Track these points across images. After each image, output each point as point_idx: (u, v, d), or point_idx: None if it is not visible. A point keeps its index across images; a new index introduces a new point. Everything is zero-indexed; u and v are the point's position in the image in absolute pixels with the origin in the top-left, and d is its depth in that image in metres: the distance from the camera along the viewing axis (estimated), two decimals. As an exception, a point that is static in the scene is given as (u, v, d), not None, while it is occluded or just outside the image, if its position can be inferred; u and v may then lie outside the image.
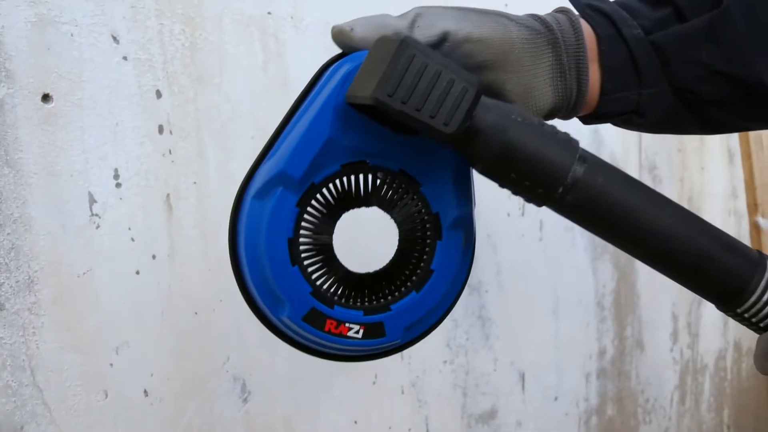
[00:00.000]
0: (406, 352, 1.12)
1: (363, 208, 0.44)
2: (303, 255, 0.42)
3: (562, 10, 0.50)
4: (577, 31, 0.47)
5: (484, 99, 0.40)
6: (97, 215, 0.77)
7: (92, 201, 0.76)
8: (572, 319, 1.45)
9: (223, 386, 0.89)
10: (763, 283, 0.42)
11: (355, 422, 1.06)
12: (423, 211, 0.44)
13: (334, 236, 0.44)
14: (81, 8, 0.74)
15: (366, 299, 0.44)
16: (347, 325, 0.43)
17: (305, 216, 0.42)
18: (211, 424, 0.88)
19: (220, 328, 0.88)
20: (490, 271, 1.25)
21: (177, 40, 0.82)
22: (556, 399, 1.43)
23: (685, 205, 1.65)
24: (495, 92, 0.45)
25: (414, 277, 0.44)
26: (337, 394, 1.03)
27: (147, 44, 0.80)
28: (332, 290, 0.43)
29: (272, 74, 0.92)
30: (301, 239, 0.42)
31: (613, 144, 1.52)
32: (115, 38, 0.77)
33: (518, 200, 1.24)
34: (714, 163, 1.86)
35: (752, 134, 1.48)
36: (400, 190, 0.43)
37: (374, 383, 1.08)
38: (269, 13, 0.91)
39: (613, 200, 0.41)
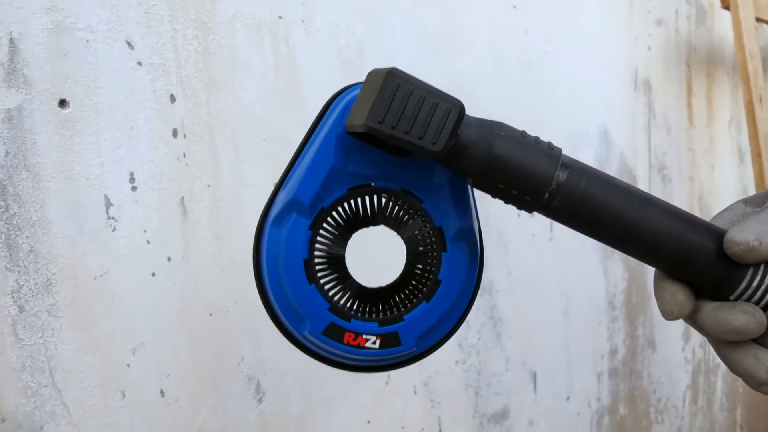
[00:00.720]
0: (418, 352, 1.12)
1: (371, 227, 0.48)
2: (319, 274, 0.46)
3: None
4: None
5: (467, 117, 0.43)
6: (113, 218, 0.78)
7: (108, 204, 0.77)
8: (583, 319, 1.45)
9: (238, 387, 0.90)
10: (752, 267, 0.44)
11: (368, 422, 1.07)
12: (427, 225, 0.47)
13: (347, 255, 0.47)
14: (96, 15, 0.75)
15: (380, 311, 0.47)
16: (364, 336, 0.46)
17: (318, 238, 0.46)
18: (225, 425, 0.89)
19: (235, 329, 0.89)
20: (501, 272, 1.25)
21: (190, 44, 0.83)
22: (567, 399, 1.43)
23: (695, 204, 1.65)
24: None
25: (423, 288, 0.47)
26: (350, 394, 1.04)
27: (161, 49, 0.81)
28: (348, 305, 0.47)
29: (283, 78, 0.93)
30: (316, 259, 0.45)
31: (622, 144, 1.52)
32: (129, 44, 0.78)
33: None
34: (724, 162, 1.86)
35: (762, 132, 1.48)
36: (404, 208, 0.47)
37: (387, 383, 1.09)
38: (280, 17, 0.92)
39: (598, 201, 0.44)
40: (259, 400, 0.93)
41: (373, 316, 0.47)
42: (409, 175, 0.46)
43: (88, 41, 0.75)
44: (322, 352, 0.48)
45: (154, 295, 0.82)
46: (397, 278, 0.48)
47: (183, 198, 0.84)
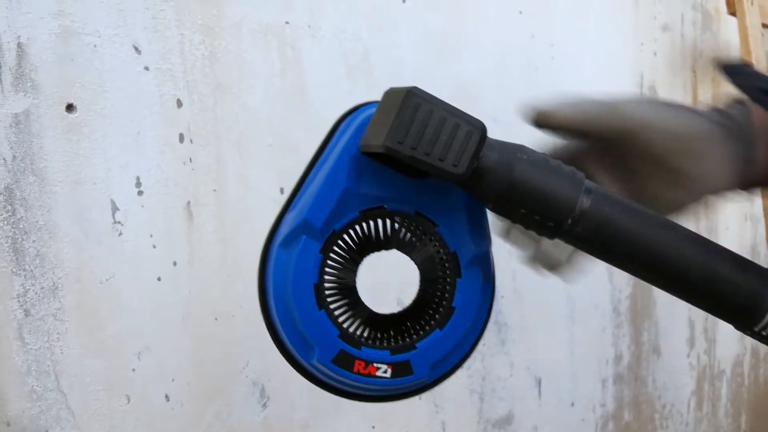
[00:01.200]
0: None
1: (384, 251, 0.46)
2: (329, 299, 0.44)
3: (738, 101, 0.52)
4: (752, 123, 0.49)
5: (489, 140, 0.42)
6: (119, 222, 0.78)
7: (115, 209, 0.78)
8: (588, 325, 1.45)
9: (243, 391, 0.90)
10: None
11: (373, 427, 1.06)
12: (441, 251, 0.45)
13: (358, 280, 0.45)
14: (103, 20, 0.76)
15: (392, 339, 0.46)
16: (375, 365, 0.44)
17: (328, 261, 0.44)
18: (230, 429, 0.89)
19: (240, 333, 0.89)
20: (506, 277, 1.25)
21: (197, 49, 0.84)
22: (572, 404, 1.43)
23: (700, 210, 1.64)
24: (672, 175, 0.49)
25: (437, 315, 0.45)
26: (354, 399, 1.04)
27: (167, 54, 0.81)
28: (359, 332, 0.45)
29: (289, 82, 0.93)
30: (326, 284, 0.44)
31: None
32: (136, 48, 0.78)
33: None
34: (729, 167, 1.85)
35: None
36: (417, 232, 0.45)
37: (391, 388, 1.08)
38: (287, 22, 0.92)
39: (621, 228, 0.42)
40: (264, 405, 0.93)
41: (385, 343, 0.45)
42: (423, 198, 0.45)
43: (95, 46, 0.75)
44: (331, 381, 0.46)
45: (159, 300, 0.82)
46: (410, 304, 0.46)
47: (189, 202, 0.84)
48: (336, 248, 0.44)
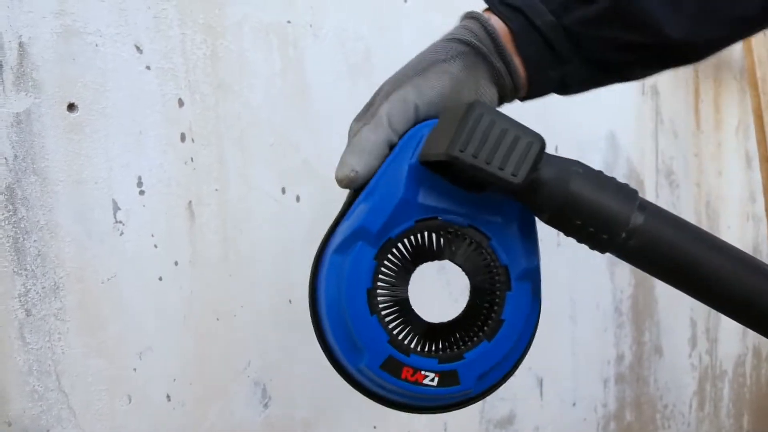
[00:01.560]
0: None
1: (436, 261, 0.47)
2: (381, 305, 0.45)
3: (471, 16, 0.55)
4: (492, 36, 0.52)
5: (547, 154, 0.43)
6: (121, 222, 0.78)
7: (116, 208, 0.77)
8: (590, 325, 1.45)
9: (244, 391, 0.90)
10: None
11: (374, 427, 1.06)
12: (492, 263, 0.46)
13: (410, 288, 0.46)
14: (105, 19, 0.76)
15: (440, 348, 0.46)
16: (423, 372, 0.45)
17: (382, 269, 0.45)
18: (232, 429, 0.89)
19: (241, 333, 0.89)
20: (508, 277, 1.25)
21: (198, 49, 0.83)
22: (574, 404, 1.42)
23: (702, 209, 1.64)
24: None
25: (485, 327, 0.46)
26: (356, 399, 1.03)
27: (169, 53, 0.81)
28: (408, 339, 0.46)
29: (291, 82, 0.93)
30: (379, 290, 0.45)
31: (629, 149, 1.52)
32: (138, 48, 0.78)
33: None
34: (731, 167, 1.85)
35: (770, 138, 1.48)
36: (470, 244, 0.46)
37: (393, 388, 1.08)
38: (288, 21, 0.92)
39: (674, 245, 0.43)
40: (266, 405, 0.93)
41: (433, 352, 0.45)
42: (477, 211, 0.46)
43: (97, 45, 0.75)
44: (377, 388, 0.47)
45: (161, 300, 0.82)
46: (459, 315, 0.47)
47: (190, 202, 0.84)
48: (390, 255, 0.45)
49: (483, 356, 0.45)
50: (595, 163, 1.41)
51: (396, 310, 0.45)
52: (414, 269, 0.46)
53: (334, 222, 0.47)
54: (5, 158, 0.69)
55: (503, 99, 0.54)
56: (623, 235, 0.43)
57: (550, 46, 0.52)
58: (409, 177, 0.45)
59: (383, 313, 0.44)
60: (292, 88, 0.93)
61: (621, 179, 1.56)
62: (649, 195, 1.59)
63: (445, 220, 0.45)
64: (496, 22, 0.53)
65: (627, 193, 0.43)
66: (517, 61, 0.52)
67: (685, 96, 1.69)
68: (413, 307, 0.46)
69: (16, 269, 0.71)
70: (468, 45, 0.52)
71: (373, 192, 0.45)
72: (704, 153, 1.76)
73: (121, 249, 0.78)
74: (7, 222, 0.70)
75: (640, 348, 1.59)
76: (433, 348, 0.46)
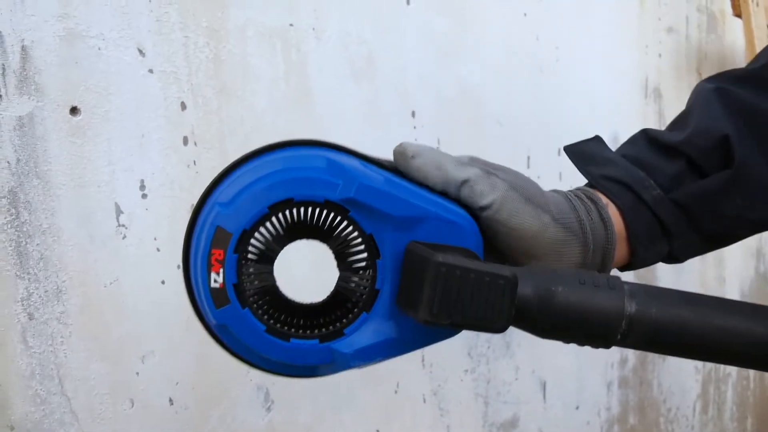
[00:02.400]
0: (427, 360, 1.12)
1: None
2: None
3: (590, 198, 0.51)
4: (606, 223, 0.49)
5: (520, 278, 0.42)
6: (123, 226, 0.78)
7: (119, 212, 0.77)
8: (593, 328, 1.44)
9: (247, 395, 0.90)
10: None
11: (377, 430, 1.06)
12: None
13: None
14: (108, 22, 0.76)
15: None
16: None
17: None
18: (234, 433, 0.89)
19: (244, 337, 0.89)
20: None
21: (201, 52, 0.83)
22: (577, 408, 1.42)
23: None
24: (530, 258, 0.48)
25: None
26: (359, 402, 1.03)
27: (172, 57, 0.81)
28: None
29: (294, 85, 0.93)
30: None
31: (633, 152, 1.51)
32: (141, 51, 0.78)
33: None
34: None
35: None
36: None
37: (396, 392, 1.08)
38: (291, 25, 0.92)
39: (673, 324, 0.43)
40: (268, 408, 0.92)
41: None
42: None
43: (99, 49, 0.75)
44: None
45: (163, 303, 0.82)
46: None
47: (193, 206, 0.83)
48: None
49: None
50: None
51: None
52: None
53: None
54: (8, 162, 0.69)
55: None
56: (618, 336, 0.43)
57: (660, 223, 0.50)
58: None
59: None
60: (296, 91, 0.93)
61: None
62: (653, 198, 1.59)
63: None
64: (602, 198, 0.50)
65: (613, 288, 0.43)
66: (620, 247, 0.50)
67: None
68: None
69: (18, 273, 0.71)
70: (581, 227, 0.49)
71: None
72: (707, 156, 1.75)
73: (124, 253, 0.78)
74: (9, 225, 0.70)
75: (643, 352, 1.59)
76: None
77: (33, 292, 0.72)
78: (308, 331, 0.45)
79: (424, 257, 0.42)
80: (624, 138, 1.48)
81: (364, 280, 0.45)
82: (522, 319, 0.42)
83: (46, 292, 0.72)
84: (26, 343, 0.71)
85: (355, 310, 0.45)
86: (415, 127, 1.07)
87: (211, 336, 0.47)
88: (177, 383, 0.83)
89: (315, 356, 0.45)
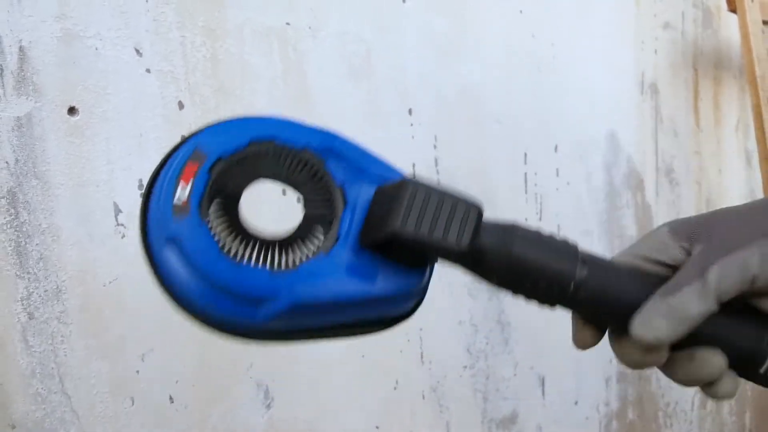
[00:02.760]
0: (426, 357, 1.12)
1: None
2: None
3: None
4: None
5: (485, 222, 0.44)
6: (122, 225, 0.78)
7: (118, 211, 0.78)
8: (591, 324, 1.45)
9: (247, 392, 0.90)
10: None
11: (377, 427, 1.06)
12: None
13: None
14: (105, 22, 0.76)
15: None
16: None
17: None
18: (234, 430, 0.89)
19: (243, 334, 0.89)
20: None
21: (198, 51, 0.84)
22: (576, 403, 1.43)
23: (703, 208, 1.63)
24: None
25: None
26: (358, 399, 1.04)
27: (169, 56, 0.81)
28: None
29: (292, 84, 0.93)
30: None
31: (630, 148, 1.52)
32: (138, 51, 0.78)
33: (535, 204, 1.25)
34: (731, 165, 1.86)
35: (770, 136, 1.48)
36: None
37: (395, 388, 1.08)
38: (288, 23, 0.92)
39: (618, 290, 0.45)
40: (268, 406, 0.93)
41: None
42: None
43: (97, 49, 0.75)
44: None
45: (163, 302, 0.81)
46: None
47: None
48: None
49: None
50: (596, 163, 1.41)
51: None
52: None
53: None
54: (6, 162, 0.70)
55: None
56: (571, 288, 0.44)
57: None
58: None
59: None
60: (294, 90, 0.93)
61: (621, 178, 1.57)
62: (650, 194, 1.59)
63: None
64: None
65: (568, 250, 0.45)
66: None
67: (685, 94, 1.69)
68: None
69: (18, 273, 0.71)
70: None
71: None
72: (704, 151, 1.76)
73: (123, 252, 0.78)
74: (9, 226, 0.70)
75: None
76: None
77: (33, 292, 0.72)
78: (262, 262, 0.44)
79: (399, 185, 0.43)
80: (623, 136, 1.48)
81: (327, 226, 0.45)
82: (480, 259, 0.44)
83: (45, 291, 0.73)
84: (26, 342, 0.72)
85: (313, 250, 0.44)
86: (411, 125, 1.07)
87: (151, 265, 0.43)
88: (177, 381, 0.83)
89: (262, 286, 0.42)
